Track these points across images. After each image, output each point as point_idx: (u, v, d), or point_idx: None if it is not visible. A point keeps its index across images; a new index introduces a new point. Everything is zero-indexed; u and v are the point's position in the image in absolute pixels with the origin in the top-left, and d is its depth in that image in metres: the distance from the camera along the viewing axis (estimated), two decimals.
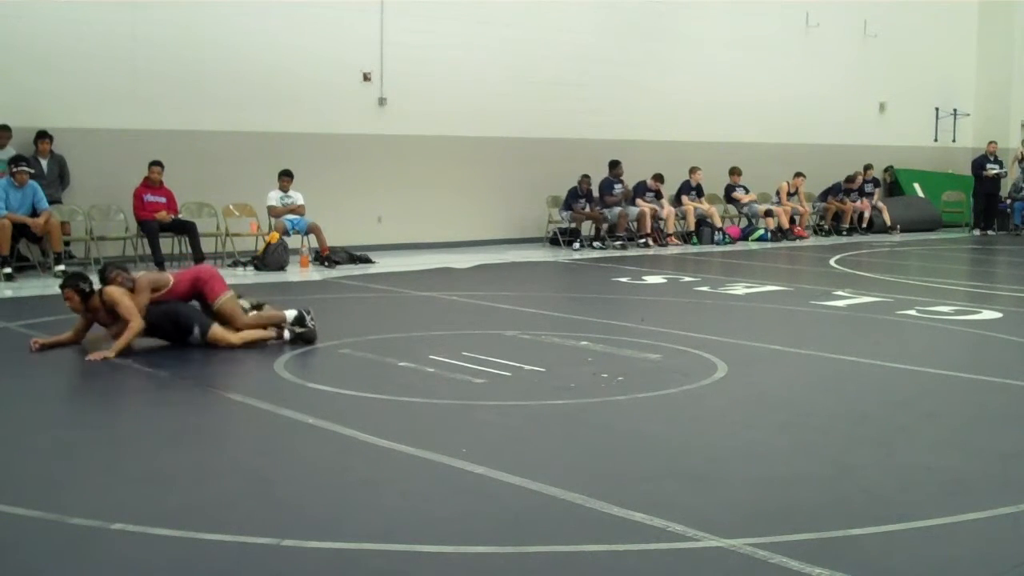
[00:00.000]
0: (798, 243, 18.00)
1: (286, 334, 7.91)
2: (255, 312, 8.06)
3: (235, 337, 7.73)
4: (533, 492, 4.59)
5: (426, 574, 3.78)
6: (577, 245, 16.18)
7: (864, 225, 19.89)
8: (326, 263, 13.40)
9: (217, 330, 7.71)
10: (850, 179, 19.62)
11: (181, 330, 7.72)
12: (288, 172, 13.81)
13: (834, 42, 20.44)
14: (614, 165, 16.81)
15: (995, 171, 20.16)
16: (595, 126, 17.16)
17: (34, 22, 12.67)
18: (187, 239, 12.98)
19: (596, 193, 16.71)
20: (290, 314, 7.99)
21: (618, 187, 16.82)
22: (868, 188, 20.23)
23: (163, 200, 12.87)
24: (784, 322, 9.70)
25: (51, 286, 10.08)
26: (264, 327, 7.93)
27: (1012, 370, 7.46)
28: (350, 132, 15.07)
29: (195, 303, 7.97)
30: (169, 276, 8.03)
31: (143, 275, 7.93)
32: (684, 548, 3.98)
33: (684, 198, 17.58)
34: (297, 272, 12.92)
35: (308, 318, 7.98)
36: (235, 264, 13.27)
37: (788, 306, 10.48)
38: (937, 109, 22.65)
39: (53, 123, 12.76)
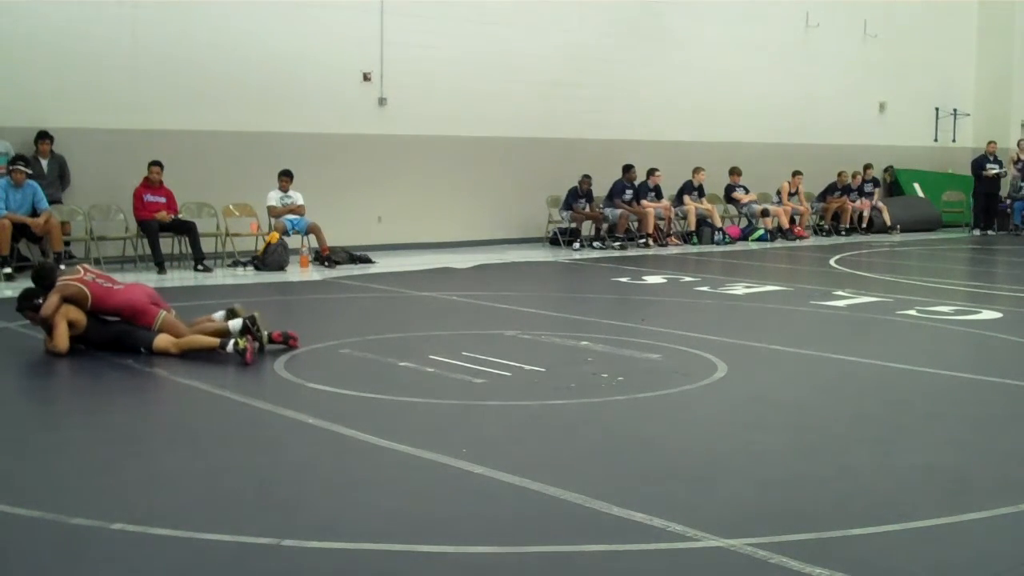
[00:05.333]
0: (798, 243, 18.00)
1: (229, 347, 7.45)
2: (201, 325, 7.82)
3: (173, 345, 7.50)
4: (533, 492, 4.58)
5: (426, 574, 3.78)
6: (577, 245, 16.18)
7: (864, 225, 19.90)
8: (326, 263, 13.40)
9: (160, 340, 7.52)
10: (841, 174, 19.66)
11: (127, 348, 7.60)
12: (288, 172, 13.81)
13: (834, 42, 20.44)
14: (627, 169, 16.80)
15: (995, 171, 20.17)
16: (595, 126, 17.16)
17: (34, 22, 12.67)
18: (187, 239, 12.98)
19: (603, 194, 16.71)
20: (234, 325, 7.65)
21: (629, 192, 16.82)
22: (868, 188, 20.25)
23: (163, 200, 12.87)
24: (784, 322, 9.70)
25: None
26: (206, 336, 7.68)
27: (1012, 370, 7.46)
28: (350, 132, 15.06)
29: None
30: (87, 295, 7.59)
31: (60, 281, 7.63)
32: (684, 548, 3.98)
33: (686, 198, 17.57)
34: (297, 272, 12.92)
35: (254, 328, 7.60)
36: (235, 264, 13.27)
37: (788, 306, 10.48)
38: (937, 109, 22.66)
39: (53, 123, 12.76)
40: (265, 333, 7.66)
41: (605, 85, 17.33)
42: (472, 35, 15.88)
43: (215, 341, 7.59)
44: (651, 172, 17.18)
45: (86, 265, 8.42)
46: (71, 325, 7.54)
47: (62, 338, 7.44)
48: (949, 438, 5.72)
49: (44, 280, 7.70)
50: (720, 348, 7.93)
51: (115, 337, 7.65)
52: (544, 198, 16.64)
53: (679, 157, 17.66)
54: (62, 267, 9.64)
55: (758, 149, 19.08)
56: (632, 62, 17.66)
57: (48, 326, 7.48)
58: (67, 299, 7.53)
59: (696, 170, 17.69)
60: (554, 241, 16.49)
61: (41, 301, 7.53)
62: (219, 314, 7.88)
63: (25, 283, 11.32)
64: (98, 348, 7.63)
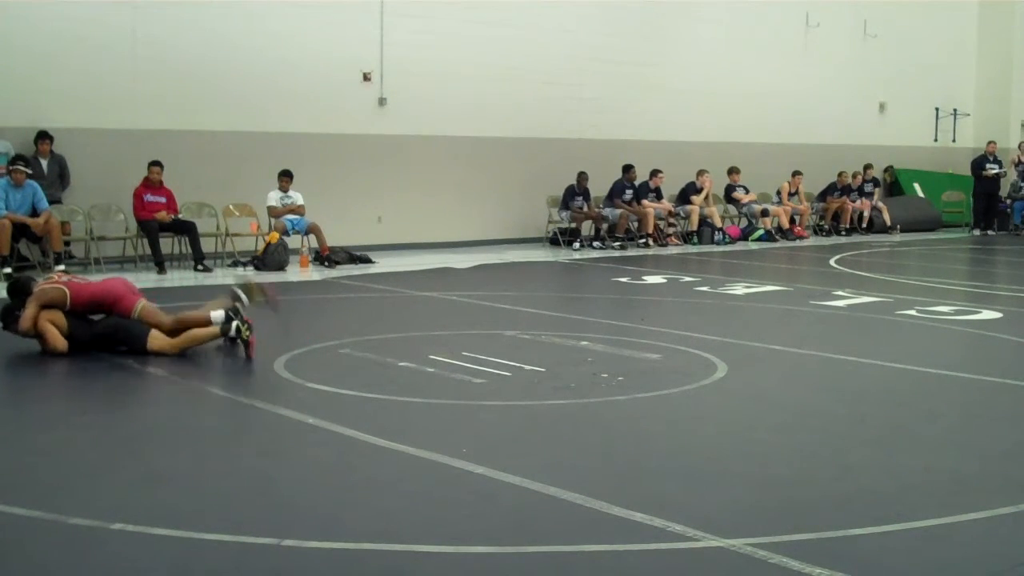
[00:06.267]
0: (798, 243, 18.00)
1: (232, 332, 7.47)
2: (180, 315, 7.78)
3: (169, 346, 7.47)
4: (533, 492, 4.58)
5: (426, 574, 3.78)
6: (577, 245, 16.18)
7: (864, 225, 19.90)
8: (326, 263, 13.40)
9: (155, 340, 7.49)
10: (841, 174, 19.68)
11: (118, 343, 7.57)
12: (288, 172, 13.81)
13: (834, 42, 20.44)
14: (627, 169, 16.80)
15: (994, 171, 20.18)
16: (595, 126, 17.17)
17: (34, 22, 12.67)
18: (187, 239, 12.99)
19: (602, 193, 16.72)
20: (216, 315, 7.61)
21: (629, 191, 16.82)
22: (868, 188, 20.26)
23: (163, 200, 12.87)
24: (784, 322, 9.70)
25: None
26: (196, 326, 7.66)
27: (1012, 370, 7.46)
28: (350, 132, 15.07)
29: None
30: (65, 292, 7.55)
31: (38, 288, 7.61)
32: (684, 548, 3.98)
33: (694, 198, 17.53)
34: (297, 272, 12.92)
35: (238, 318, 7.54)
36: (235, 264, 13.27)
37: (788, 306, 10.48)
38: (937, 109, 22.66)
39: (53, 123, 12.76)
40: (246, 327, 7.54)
41: (605, 85, 17.33)
42: (472, 35, 15.88)
43: (215, 330, 7.57)
44: (654, 173, 17.17)
45: (59, 270, 8.37)
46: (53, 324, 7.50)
47: (56, 339, 7.42)
48: (949, 438, 5.72)
49: (20, 294, 7.61)
50: (720, 348, 7.93)
51: (103, 333, 7.61)
52: (544, 198, 16.64)
53: (679, 157, 17.65)
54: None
55: (758, 149, 19.08)
56: (632, 62, 17.65)
57: (35, 336, 7.48)
58: (45, 305, 7.48)
59: (700, 172, 17.66)
60: (554, 241, 16.49)
61: (20, 314, 7.51)
62: (217, 315, 7.77)
63: None
64: (97, 347, 7.61)
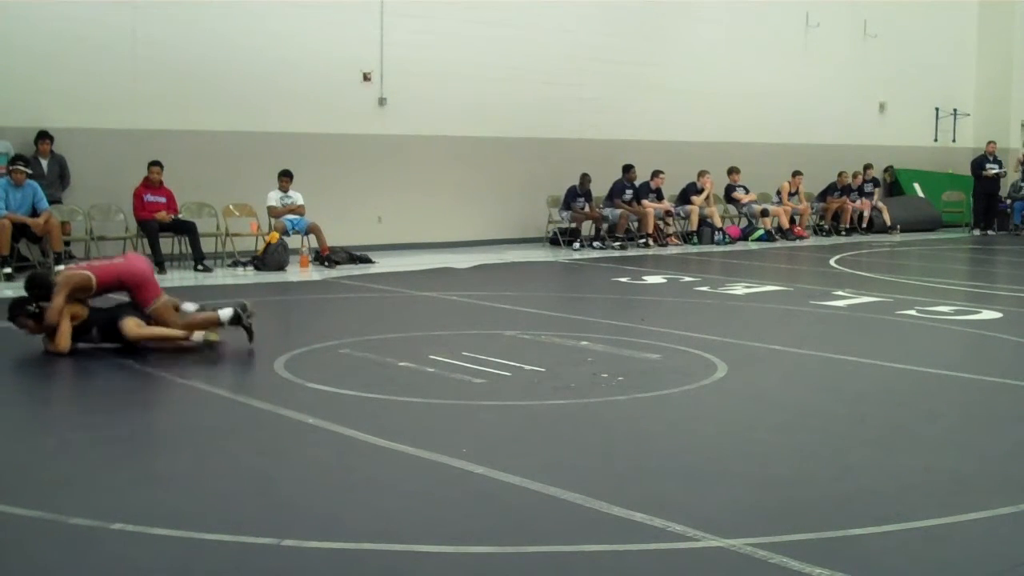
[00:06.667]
0: (798, 243, 18.00)
1: (196, 337, 7.60)
2: (189, 314, 7.83)
3: (140, 333, 7.47)
4: (533, 492, 4.58)
5: (426, 574, 3.78)
6: (577, 245, 16.18)
7: (864, 225, 19.91)
8: (326, 263, 13.40)
9: (128, 323, 7.49)
10: (841, 174, 19.68)
11: (116, 331, 7.60)
12: (288, 172, 13.81)
13: (834, 42, 20.44)
14: (627, 169, 16.80)
15: (994, 171, 20.18)
16: (595, 126, 17.17)
17: (34, 22, 12.68)
18: (187, 239, 12.98)
19: (603, 193, 16.72)
20: (225, 314, 7.67)
21: (629, 192, 16.82)
22: (868, 188, 20.26)
23: (163, 200, 12.88)
24: (784, 322, 9.70)
25: None
26: (206, 327, 7.75)
27: (1012, 370, 7.46)
28: (350, 132, 15.07)
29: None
30: (91, 277, 7.58)
31: (62, 276, 7.64)
32: (684, 548, 3.98)
33: (694, 198, 17.53)
34: (297, 272, 12.92)
35: (245, 316, 7.64)
36: (235, 264, 13.27)
37: (788, 306, 10.48)
38: (937, 109, 22.66)
39: (53, 123, 12.76)
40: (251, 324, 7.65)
41: (605, 85, 17.33)
42: (472, 35, 15.88)
43: (183, 333, 7.64)
44: (655, 174, 17.17)
45: (59, 271, 8.37)
46: (72, 317, 7.51)
47: (64, 338, 7.42)
48: (949, 438, 5.72)
49: (39, 290, 7.58)
50: (720, 348, 7.93)
51: (111, 318, 7.63)
52: (544, 198, 16.64)
53: (679, 157, 17.66)
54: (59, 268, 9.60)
55: (758, 149, 19.08)
56: (632, 62, 17.65)
57: (52, 328, 7.46)
58: (73, 291, 7.49)
59: (701, 173, 17.67)
60: (554, 241, 16.49)
61: (33, 308, 7.49)
62: (225, 312, 7.77)
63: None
64: (102, 334, 7.61)
